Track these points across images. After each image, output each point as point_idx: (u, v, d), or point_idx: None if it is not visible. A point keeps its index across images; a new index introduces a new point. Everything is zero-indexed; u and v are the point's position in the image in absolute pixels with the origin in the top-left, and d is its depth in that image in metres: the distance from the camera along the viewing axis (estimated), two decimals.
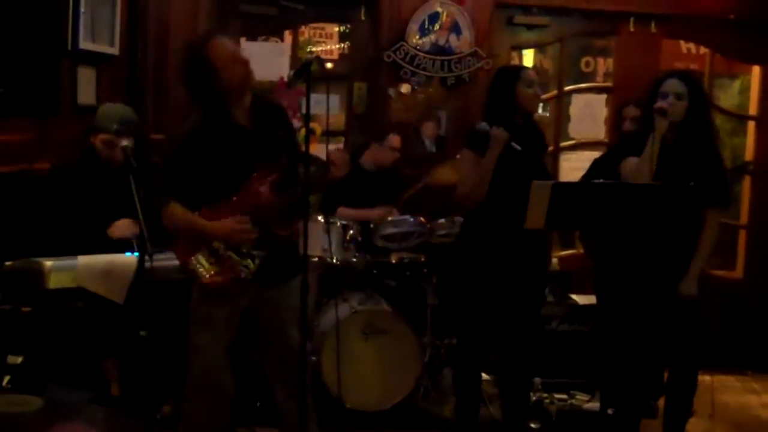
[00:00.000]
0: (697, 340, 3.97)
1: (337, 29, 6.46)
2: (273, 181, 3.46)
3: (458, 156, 4.27)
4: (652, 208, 3.59)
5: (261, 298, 3.52)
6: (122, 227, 4.05)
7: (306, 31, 6.16)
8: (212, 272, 3.41)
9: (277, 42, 5.99)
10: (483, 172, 4.02)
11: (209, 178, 3.43)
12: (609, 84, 6.27)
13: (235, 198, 3.44)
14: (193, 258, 3.42)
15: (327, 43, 6.50)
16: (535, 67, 6.82)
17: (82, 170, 4.11)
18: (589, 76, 6.64)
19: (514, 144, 3.97)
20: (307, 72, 3.29)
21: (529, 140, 4.09)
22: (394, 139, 5.36)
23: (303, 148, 3.48)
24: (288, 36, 5.97)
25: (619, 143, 4.52)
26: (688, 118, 3.89)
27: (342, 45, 6.53)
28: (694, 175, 3.80)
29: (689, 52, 6.91)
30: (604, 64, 6.70)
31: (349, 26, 6.16)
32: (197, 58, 3.41)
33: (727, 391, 5.50)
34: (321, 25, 6.35)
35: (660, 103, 3.83)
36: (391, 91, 5.69)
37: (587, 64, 6.63)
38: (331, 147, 3.68)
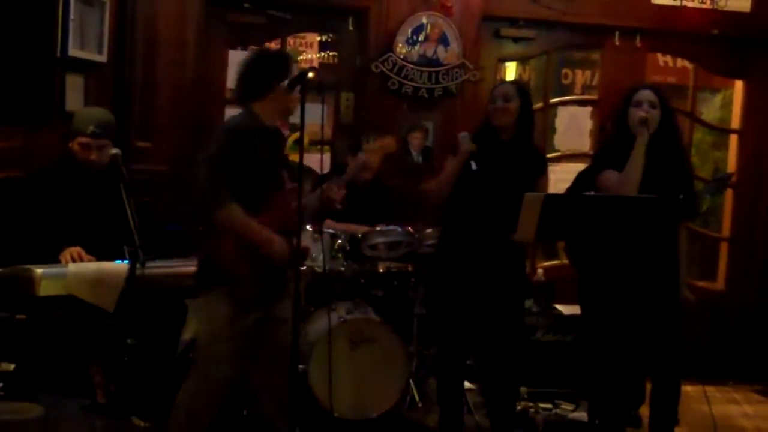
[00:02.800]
0: (680, 349, 4.02)
1: (318, 38, 6.48)
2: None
3: None
4: (642, 221, 3.64)
5: (268, 312, 3.56)
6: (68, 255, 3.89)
7: (289, 41, 6.16)
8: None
9: None
10: (443, 176, 4.12)
11: (257, 181, 3.46)
12: (594, 97, 6.34)
13: (274, 207, 3.50)
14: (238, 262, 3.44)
15: (307, 53, 6.52)
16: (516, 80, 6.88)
17: (60, 175, 4.08)
18: (567, 88, 6.71)
19: (472, 162, 4.01)
20: (302, 81, 3.32)
21: (513, 157, 4.10)
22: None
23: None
24: (273, 46, 5.97)
25: (600, 154, 4.57)
26: (660, 128, 3.96)
27: (322, 54, 6.54)
28: (668, 187, 3.87)
29: (666, 65, 7.00)
30: (582, 76, 6.77)
31: (331, 35, 6.17)
32: (282, 59, 3.63)
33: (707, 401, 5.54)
34: (302, 34, 6.37)
35: (641, 114, 3.90)
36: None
37: (566, 76, 6.70)
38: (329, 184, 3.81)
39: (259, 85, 3.55)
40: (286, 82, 3.48)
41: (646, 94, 3.97)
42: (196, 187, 3.47)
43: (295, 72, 3.55)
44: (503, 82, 4.51)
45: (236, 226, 3.43)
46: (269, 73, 3.53)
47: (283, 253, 3.48)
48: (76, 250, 3.86)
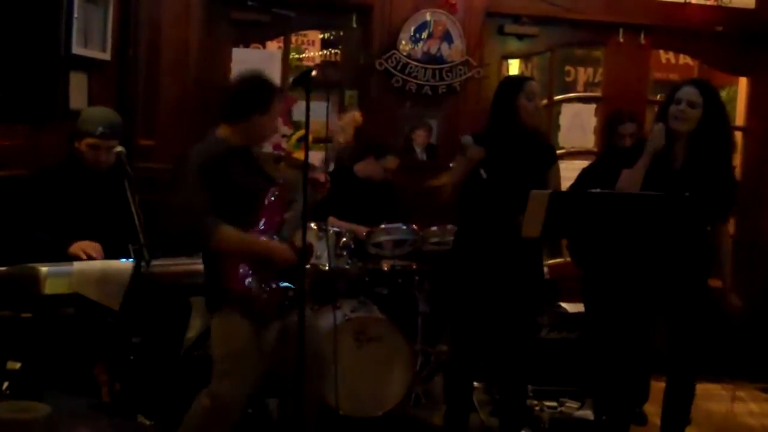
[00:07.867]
0: (696, 349, 3.99)
1: (320, 36, 6.47)
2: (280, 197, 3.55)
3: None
4: (649, 218, 3.62)
5: (285, 322, 3.62)
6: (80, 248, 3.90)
7: (292, 39, 6.15)
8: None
9: (258, 48, 5.99)
10: (453, 179, 4.09)
11: (241, 196, 3.47)
12: (598, 94, 6.33)
13: (265, 215, 3.53)
14: (247, 281, 3.45)
15: (310, 51, 6.51)
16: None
17: (65, 175, 4.07)
18: (570, 86, 6.70)
19: (482, 171, 3.97)
20: (306, 80, 3.31)
21: (529, 153, 4.08)
22: (392, 161, 5.31)
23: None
24: (272, 44, 5.97)
25: (609, 155, 4.54)
26: (701, 127, 3.81)
27: (325, 52, 6.54)
28: (703, 186, 3.77)
29: (669, 62, 7.00)
30: (584, 74, 6.77)
31: (332, 33, 6.15)
32: (267, 91, 3.58)
33: (713, 399, 5.54)
34: (304, 32, 6.36)
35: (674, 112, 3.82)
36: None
37: (568, 73, 6.70)
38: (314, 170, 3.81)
39: (236, 111, 3.56)
40: (263, 113, 3.53)
41: (687, 92, 3.81)
42: (182, 219, 3.49)
43: (277, 102, 3.60)
44: (529, 79, 4.41)
45: (234, 245, 3.45)
46: (249, 103, 3.54)
47: (287, 256, 3.49)
48: (89, 245, 3.86)
